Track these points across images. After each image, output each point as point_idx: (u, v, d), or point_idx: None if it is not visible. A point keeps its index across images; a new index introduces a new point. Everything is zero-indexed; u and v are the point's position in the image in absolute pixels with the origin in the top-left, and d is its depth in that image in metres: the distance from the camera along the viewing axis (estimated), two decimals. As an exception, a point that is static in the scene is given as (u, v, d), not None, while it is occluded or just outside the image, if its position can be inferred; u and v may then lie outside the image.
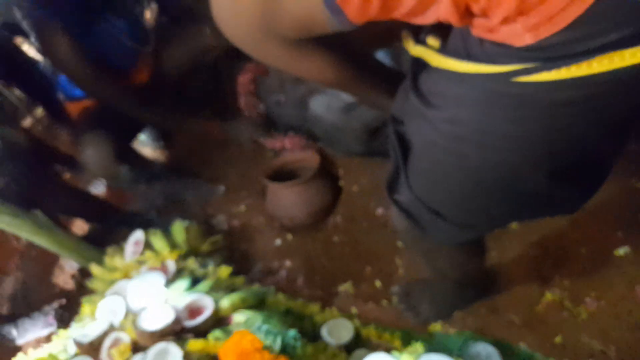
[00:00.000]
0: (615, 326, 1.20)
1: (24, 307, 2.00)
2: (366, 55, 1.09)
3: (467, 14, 0.60)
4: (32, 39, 1.72)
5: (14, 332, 1.82)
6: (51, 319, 1.77)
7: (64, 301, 1.87)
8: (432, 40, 0.73)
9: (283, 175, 1.78)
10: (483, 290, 1.33)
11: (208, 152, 2.12)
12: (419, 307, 1.36)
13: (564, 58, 0.57)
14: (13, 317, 1.85)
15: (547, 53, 0.58)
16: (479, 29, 0.62)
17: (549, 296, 1.28)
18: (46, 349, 1.30)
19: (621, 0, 0.52)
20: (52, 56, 1.48)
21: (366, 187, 1.68)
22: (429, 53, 0.74)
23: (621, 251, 1.29)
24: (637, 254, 1.28)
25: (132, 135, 2.00)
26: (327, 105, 1.70)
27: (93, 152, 1.63)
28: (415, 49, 0.77)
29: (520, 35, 0.58)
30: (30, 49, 2.08)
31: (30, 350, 1.32)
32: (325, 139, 1.78)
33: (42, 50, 1.52)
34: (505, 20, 0.57)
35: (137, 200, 2.01)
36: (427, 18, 0.62)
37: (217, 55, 1.86)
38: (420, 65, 0.78)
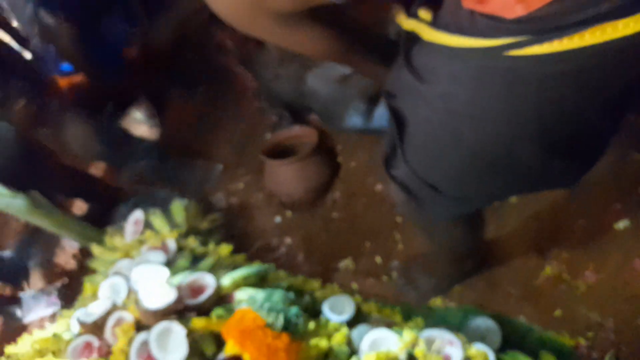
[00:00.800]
0: (613, 298, 1.20)
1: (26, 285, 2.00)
2: (361, 26, 1.06)
3: None
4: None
5: (18, 311, 1.81)
6: (54, 298, 1.76)
7: (66, 281, 1.86)
8: (424, 13, 0.71)
9: (281, 151, 1.75)
10: (481, 263, 1.33)
11: (204, 129, 2.08)
12: (418, 282, 1.35)
13: (556, 30, 0.55)
14: (16, 298, 1.85)
15: (539, 25, 0.56)
16: (469, 0, 0.60)
17: (547, 270, 1.28)
18: (50, 329, 1.29)
19: None
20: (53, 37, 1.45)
21: (365, 162, 1.65)
22: (421, 26, 0.71)
23: (621, 224, 1.28)
24: (636, 226, 1.27)
25: (120, 111, 1.96)
26: (324, 78, 1.65)
27: (73, 132, 1.60)
28: (407, 23, 0.74)
29: (511, 6, 0.56)
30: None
31: (35, 331, 1.31)
32: (323, 114, 1.74)
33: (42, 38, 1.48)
34: None
35: (125, 179, 1.98)
36: None
37: (204, 20, 1.81)
38: (412, 39, 0.75)
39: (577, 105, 0.64)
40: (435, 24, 0.69)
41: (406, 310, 1.32)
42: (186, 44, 1.92)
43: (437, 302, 1.33)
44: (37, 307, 1.80)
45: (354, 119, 1.63)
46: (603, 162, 1.34)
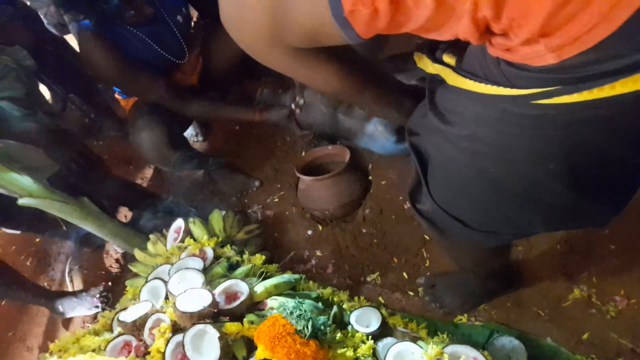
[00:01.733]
0: (645, 324, 1.16)
1: (72, 286, 2.08)
2: (375, 67, 1.06)
3: (487, 32, 0.57)
4: None
5: (60, 307, 1.89)
6: (96, 300, 1.83)
7: (109, 284, 1.93)
8: (448, 58, 0.71)
9: (315, 169, 1.78)
10: (508, 284, 1.31)
11: (245, 147, 2.14)
12: (444, 299, 1.34)
13: (586, 80, 0.54)
14: (62, 295, 1.93)
15: (569, 74, 0.55)
16: (496, 48, 0.59)
17: (576, 292, 1.24)
18: (92, 328, 1.34)
19: None
20: (88, 58, 1.51)
21: (394, 181, 1.66)
22: (446, 71, 0.72)
23: (653, 251, 1.24)
24: (668, 252, 1.22)
25: (184, 126, 2.02)
26: (354, 114, 1.66)
27: (147, 136, 1.61)
28: (432, 67, 0.75)
29: (542, 55, 0.55)
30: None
31: (78, 330, 1.36)
32: (357, 140, 1.74)
33: (82, 58, 1.55)
34: (528, 42, 0.54)
35: (176, 188, 2.05)
36: (442, 35, 0.59)
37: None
38: (436, 82, 0.76)
39: (606, 149, 0.63)
40: (460, 69, 0.69)
41: (432, 325, 1.31)
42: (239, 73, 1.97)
43: (463, 319, 1.31)
44: (80, 306, 1.86)
45: (386, 147, 1.63)
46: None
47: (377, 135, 1.60)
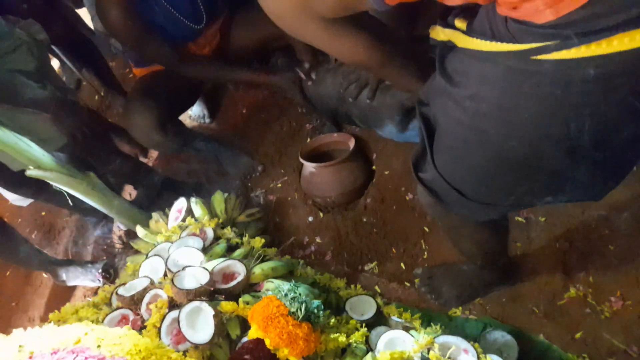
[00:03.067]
0: (639, 326, 1.15)
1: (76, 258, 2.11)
2: (400, 40, 1.08)
3: None
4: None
5: (64, 275, 1.92)
6: (98, 275, 1.85)
7: (111, 259, 1.96)
8: (460, 23, 0.72)
9: (319, 155, 1.77)
10: (504, 277, 1.30)
11: (251, 129, 2.14)
12: (441, 290, 1.34)
13: (584, 35, 0.55)
14: (64, 263, 1.95)
15: (568, 30, 0.56)
16: (503, 6, 0.61)
17: (572, 291, 1.24)
18: (91, 301, 1.36)
19: None
20: (105, 17, 1.50)
21: (398, 171, 1.65)
22: (456, 34, 0.72)
23: (652, 252, 1.22)
24: (668, 256, 1.21)
25: (182, 107, 2.02)
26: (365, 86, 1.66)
27: (136, 119, 1.62)
28: (443, 33, 0.75)
29: (542, 11, 0.56)
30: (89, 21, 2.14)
31: (78, 302, 1.38)
32: (361, 120, 1.74)
33: (98, 14, 1.53)
34: None
35: (180, 167, 2.05)
36: None
37: (278, 46, 1.83)
38: (447, 48, 0.76)
39: (604, 111, 0.63)
40: (470, 31, 0.70)
41: (426, 316, 1.31)
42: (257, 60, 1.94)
43: (457, 312, 1.31)
44: (83, 276, 1.89)
45: (389, 128, 1.63)
46: (636, 185, 1.31)
47: (383, 119, 1.60)
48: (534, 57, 0.60)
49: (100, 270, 1.89)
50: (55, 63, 2.78)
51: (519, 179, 0.78)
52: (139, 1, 1.49)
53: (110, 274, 1.89)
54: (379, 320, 1.26)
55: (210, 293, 1.17)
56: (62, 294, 2.03)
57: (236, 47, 1.83)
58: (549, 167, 0.73)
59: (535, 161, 0.73)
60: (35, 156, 1.35)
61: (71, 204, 1.57)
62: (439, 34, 0.77)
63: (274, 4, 0.72)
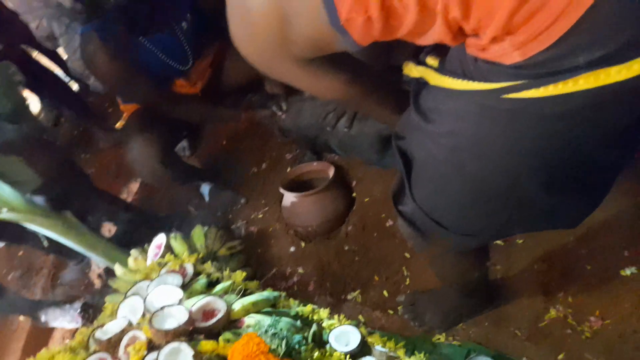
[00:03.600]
0: (619, 345, 1.16)
1: (54, 299, 2.05)
2: (376, 74, 1.10)
3: (460, 33, 0.60)
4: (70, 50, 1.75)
5: (43, 317, 1.87)
6: (77, 316, 1.81)
7: (90, 298, 1.91)
8: (431, 60, 0.74)
9: (299, 184, 1.78)
10: (487, 301, 1.31)
11: (231, 161, 2.14)
12: (424, 317, 1.34)
13: (551, 75, 0.57)
14: (44, 305, 1.90)
15: (536, 70, 0.58)
16: (472, 47, 0.63)
17: (553, 312, 1.25)
18: (68, 345, 1.32)
19: (603, 18, 0.51)
20: (90, 62, 1.49)
21: (378, 198, 1.67)
22: (428, 72, 0.74)
23: (627, 271, 1.24)
24: (643, 273, 1.23)
25: (177, 139, 2.01)
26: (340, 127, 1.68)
27: (140, 155, 1.61)
28: (416, 70, 0.77)
29: (509, 53, 0.58)
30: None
31: (54, 346, 1.34)
32: (340, 148, 1.76)
33: (84, 60, 1.53)
34: (495, 40, 0.57)
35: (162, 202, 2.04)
36: (428, 39, 0.63)
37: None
38: (420, 84, 0.78)
39: (576, 145, 0.65)
40: (442, 69, 0.72)
41: (410, 344, 1.30)
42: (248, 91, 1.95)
43: (441, 338, 1.31)
44: (62, 317, 1.84)
45: (369, 155, 1.65)
46: (611, 207, 1.34)
47: (362, 147, 1.61)
48: (505, 96, 0.62)
49: (78, 311, 1.84)
50: (35, 98, 2.78)
51: (498, 211, 0.80)
52: (122, 46, 1.49)
53: (89, 314, 1.85)
54: (363, 350, 1.24)
55: (189, 332, 1.14)
56: (40, 337, 1.97)
57: (229, 79, 1.85)
58: (525, 199, 0.75)
59: (512, 193, 0.74)
60: (7, 199, 1.33)
61: (46, 245, 1.53)
62: (412, 70, 0.79)
63: (248, 47, 0.73)
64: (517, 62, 0.58)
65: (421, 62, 0.77)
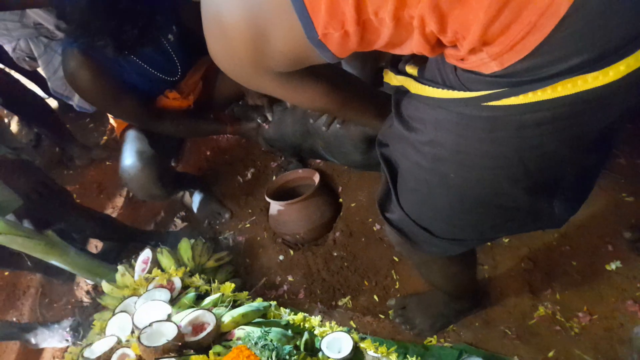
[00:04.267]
0: (607, 340, 1.17)
1: (42, 319, 2.02)
2: (358, 82, 1.10)
3: (438, 45, 0.61)
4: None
5: (33, 339, 1.83)
6: (66, 334, 1.77)
7: (82, 316, 1.88)
8: (410, 69, 0.74)
9: (285, 193, 1.77)
10: (475, 303, 1.31)
11: (216, 172, 2.12)
12: (414, 320, 1.34)
13: (530, 83, 0.57)
14: (33, 327, 1.87)
15: (514, 78, 0.58)
16: (450, 58, 0.63)
17: (541, 310, 1.26)
18: (57, 365, 1.30)
19: (578, 28, 0.52)
20: (74, 81, 1.46)
21: (364, 203, 1.66)
22: (408, 81, 0.74)
23: (612, 265, 1.26)
24: (627, 267, 1.24)
25: (171, 154, 1.99)
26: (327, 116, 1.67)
27: (136, 175, 1.54)
28: (396, 78, 0.77)
29: (487, 63, 0.58)
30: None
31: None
32: (327, 150, 1.75)
33: (66, 78, 1.49)
34: (472, 51, 0.58)
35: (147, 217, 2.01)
36: (405, 49, 0.63)
37: None
38: (401, 93, 0.79)
39: (556, 150, 0.66)
40: (421, 77, 0.72)
41: (402, 348, 1.30)
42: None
43: (432, 341, 1.30)
44: (51, 338, 1.81)
45: (354, 157, 1.64)
46: (594, 203, 1.35)
47: (348, 148, 1.60)
48: (485, 104, 0.62)
49: (67, 330, 1.81)
50: (15, 118, 2.74)
51: (483, 216, 0.81)
52: (107, 60, 1.45)
53: (79, 332, 1.81)
54: (355, 356, 1.24)
55: (179, 347, 1.13)
56: (30, 357, 1.93)
57: (221, 92, 1.82)
58: (510, 204, 0.76)
59: (497, 199, 0.75)
60: (-13, 221, 1.30)
61: (29, 265, 1.50)
62: (392, 79, 0.79)
63: (226, 62, 0.72)
64: (495, 72, 0.59)
65: (400, 71, 0.77)
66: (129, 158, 1.58)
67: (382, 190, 0.93)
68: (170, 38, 1.57)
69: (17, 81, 2.11)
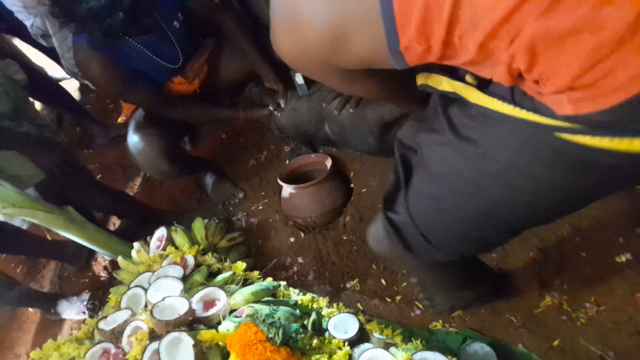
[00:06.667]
0: (614, 332, 1.15)
1: (61, 292, 2.07)
2: (401, 75, 1.08)
3: (519, 78, 0.60)
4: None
5: (53, 309, 1.89)
6: (84, 307, 1.82)
7: (96, 290, 1.93)
8: (471, 79, 0.71)
9: (298, 177, 1.78)
10: (496, 289, 1.28)
11: (231, 155, 2.14)
12: (435, 299, 1.32)
13: (608, 129, 0.57)
14: (53, 297, 1.93)
15: (595, 120, 0.57)
16: (527, 88, 0.62)
17: (548, 299, 1.24)
18: (74, 336, 1.34)
19: None
20: (85, 72, 1.48)
21: (374, 189, 1.66)
22: (468, 90, 0.71)
23: (623, 257, 1.23)
24: (638, 260, 1.22)
25: (182, 132, 2.01)
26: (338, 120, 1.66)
27: (144, 150, 1.59)
28: (449, 83, 0.74)
29: (564, 104, 0.57)
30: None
31: (61, 338, 1.35)
32: (341, 136, 1.73)
33: (78, 68, 1.51)
34: (554, 92, 0.57)
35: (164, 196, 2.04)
36: (480, 71, 0.63)
37: None
38: (448, 99, 0.76)
39: (604, 189, 0.68)
40: (486, 89, 0.69)
41: (407, 331, 1.30)
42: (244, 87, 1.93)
43: (438, 325, 1.31)
44: (69, 310, 1.86)
45: (370, 141, 1.63)
46: (607, 199, 1.32)
47: (364, 132, 1.59)
48: (558, 135, 0.60)
49: (85, 302, 1.86)
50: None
51: (499, 234, 0.81)
52: (115, 51, 1.46)
53: (96, 306, 1.86)
54: (361, 338, 1.25)
55: (190, 322, 1.15)
56: (49, 329, 1.99)
57: (226, 76, 1.82)
58: (531, 225, 0.79)
59: (524, 222, 0.77)
60: (9, 195, 1.33)
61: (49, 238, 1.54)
62: (441, 83, 0.76)
63: (294, 54, 0.72)
64: (568, 114, 0.58)
65: (459, 78, 0.74)
66: (134, 135, 1.62)
67: (391, 190, 0.90)
68: (175, 25, 1.57)
69: (33, 69, 2.14)
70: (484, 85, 0.69)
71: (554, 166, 0.64)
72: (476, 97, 0.70)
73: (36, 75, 2.15)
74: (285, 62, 0.74)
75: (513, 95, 0.65)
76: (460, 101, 0.74)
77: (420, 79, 0.81)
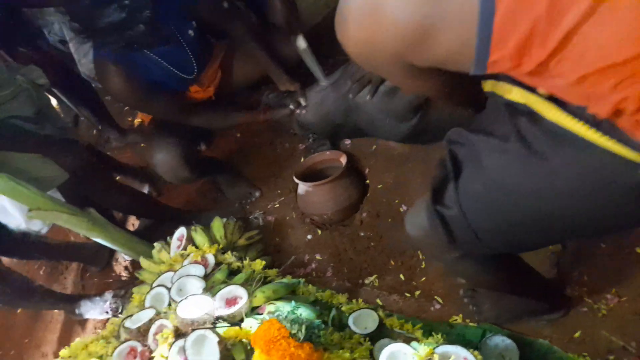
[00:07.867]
0: (636, 322, 1.15)
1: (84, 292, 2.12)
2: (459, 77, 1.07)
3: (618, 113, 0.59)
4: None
5: (76, 310, 1.93)
6: (107, 306, 1.86)
7: (119, 289, 1.96)
8: (543, 91, 0.69)
9: (313, 174, 1.79)
10: (554, 306, 1.23)
11: (246, 154, 2.16)
12: (483, 305, 1.29)
13: None
14: (76, 298, 1.97)
15: None
16: (624, 122, 0.60)
17: (568, 291, 1.24)
18: (100, 335, 1.37)
19: None
20: (106, 86, 1.50)
21: (390, 185, 1.67)
22: (545, 105, 0.68)
23: (643, 248, 1.23)
24: (659, 251, 1.22)
25: (199, 138, 2.03)
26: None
27: (163, 158, 1.62)
28: (521, 94, 0.72)
29: None
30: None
31: (87, 337, 1.39)
32: (369, 125, 1.71)
33: (101, 83, 1.54)
34: None
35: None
36: (567, 95, 0.62)
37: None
38: (519, 110, 0.74)
39: None
40: (565, 107, 0.66)
41: (427, 326, 1.31)
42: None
43: (458, 319, 1.31)
44: (93, 310, 1.90)
45: (401, 128, 1.61)
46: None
47: (395, 119, 1.56)
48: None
49: (108, 302, 1.89)
50: (52, 101, 2.83)
51: (549, 240, 0.85)
52: (134, 63, 1.48)
53: (119, 305, 1.90)
54: (381, 333, 1.26)
55: (213, 320, 1.17)
56: (74, 328, 2.03)
57: (239, 78, 1.83)
58: (588, 236, 0.81)
59: (581, 231, 0.78)
60: (35, 198, 1.37)
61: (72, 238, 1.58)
62: (511, 92, 0.74)
63: (363, 47, 0.70)
64: None
65: (531, 90, 0.70)
66: (159, 148, 1.64)
67: (438, 183, 0.88)
68: (190, 34, 1.57)
69: (63, 62, 2.17)
70: (559, 101, 0.66)
71: (629, 198, 0.63)
72: (553, 114, 0.67)
73: (66, 68, 2.18)
74: (345, 49, 0.72)
75: (595, 119, 0.62)
76: (530, 113, 0.71)
77: (488, 86, 0.79)
